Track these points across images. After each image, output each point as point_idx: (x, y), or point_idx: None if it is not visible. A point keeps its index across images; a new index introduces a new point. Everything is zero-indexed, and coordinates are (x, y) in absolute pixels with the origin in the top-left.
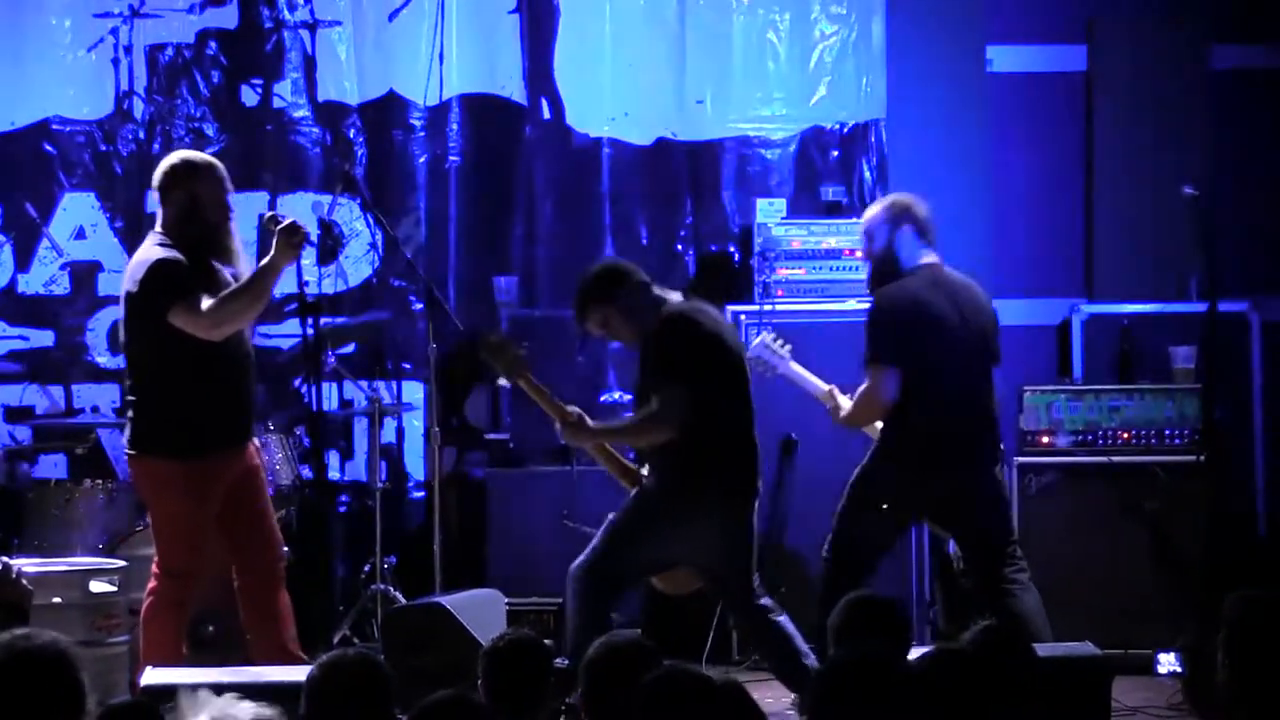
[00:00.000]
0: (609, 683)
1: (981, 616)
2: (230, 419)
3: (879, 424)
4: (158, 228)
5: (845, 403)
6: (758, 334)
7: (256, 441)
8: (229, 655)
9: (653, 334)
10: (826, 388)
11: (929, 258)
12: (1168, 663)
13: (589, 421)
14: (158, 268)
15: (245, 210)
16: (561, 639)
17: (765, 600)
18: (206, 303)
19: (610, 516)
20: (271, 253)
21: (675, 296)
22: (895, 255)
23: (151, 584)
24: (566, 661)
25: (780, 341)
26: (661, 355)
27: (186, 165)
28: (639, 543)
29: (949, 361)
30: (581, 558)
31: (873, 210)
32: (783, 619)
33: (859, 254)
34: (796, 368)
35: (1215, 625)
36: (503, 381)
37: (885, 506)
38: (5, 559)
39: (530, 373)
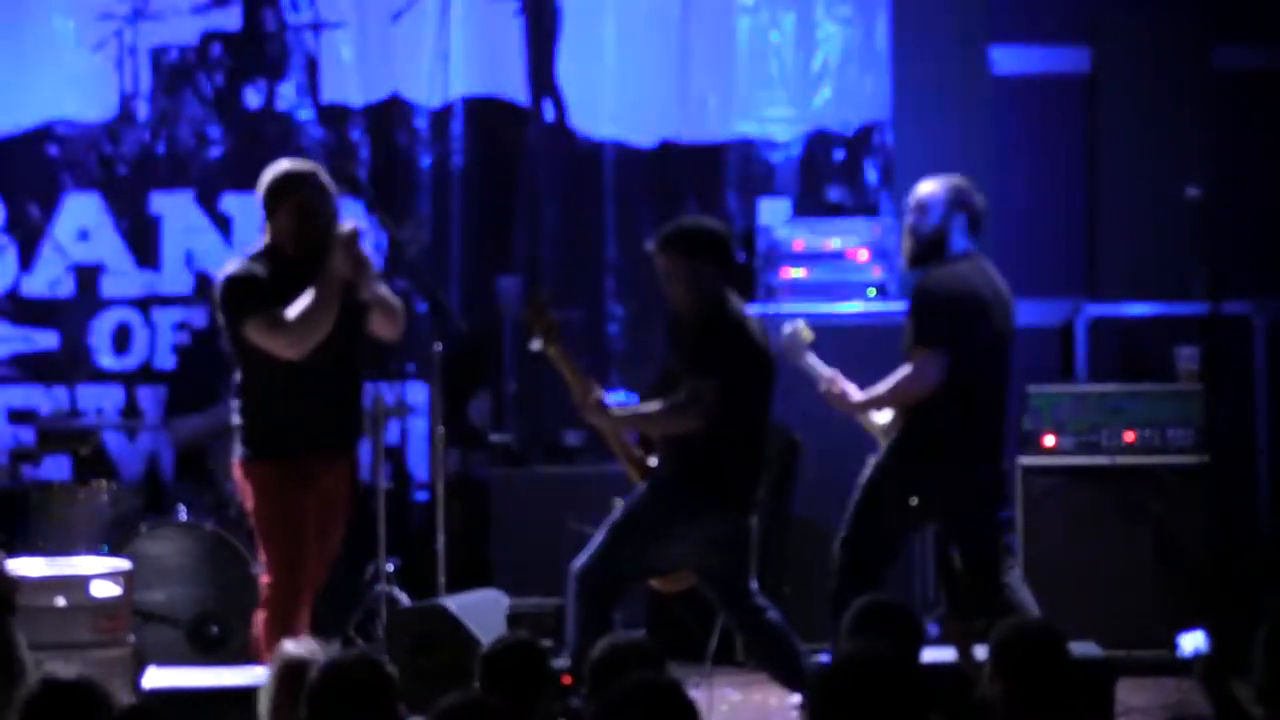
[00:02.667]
0: (611, 685)
1: (985, 617)
2: (298, 425)
3: (879, 419)
4: (264, 239)
5: (852, 388)
6: (788, 321)
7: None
8: (233, 656)
9: (691, 322)
10: (829, 372)
11: (971, 248)
12: (1192, 641)
13: (611, 406)
14: (229, 284)
15: (250, 213)
16: (563, 640)
17: (760, 601)
18: (282, 319)
19: (613, 514)
20: (332, 262)
21: (734, 298)
22: (945, 238)
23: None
24: (566, 663)
25: (807, 332)
26: (697, 345)
27: (293, 176)
28: (644, 542)
29: (991, 354)
30: (583, 557)
31: (931, 186)
32: (777, 619)
33: (863, 255)
34: (812, 360)
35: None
36: (535, 345)
37: (914, 502)
38: None
39: (561, 342)
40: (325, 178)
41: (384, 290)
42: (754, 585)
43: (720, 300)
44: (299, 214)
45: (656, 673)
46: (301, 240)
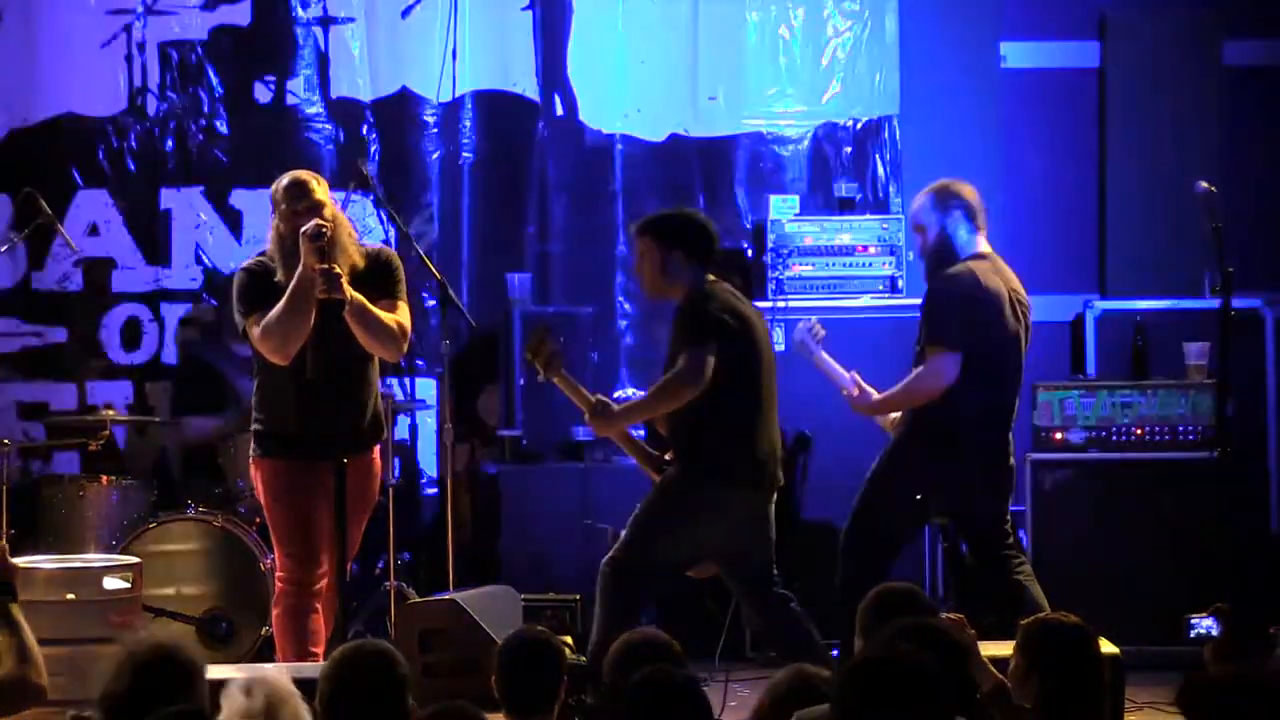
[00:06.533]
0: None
1: (994, 610)
2: (303, 425)
3: (893, 415)
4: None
5: (870, 389)
6: (802, 318)
7: (377, 459)
8: (243, 652)
9: (685, 304)
10: (849, 374)
11: (983, 243)
12: (1204, 625)
13: (613, 406)
14: (236, 281)
15: (260, 208)
16: (576, 635)
17: (783, 590)
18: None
19: (637, 508)
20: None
21: (725, 286)
22: (950, 243)
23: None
24: (583, 659)
25: (819, 328)
26: (691, 321)
27: (278, 189)
28: (671, 533)
29: (1002, 352)
30: (611, 552)
31: (917, 202)
32: (799, 612)
33: (872, 250)
34: (825, 356)
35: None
36: (540, 377)
37: (919, 498)
38: None
39: (564, 369)
40: (316, 187)
41: (363, 306)
42: (776, 574)
43: (703, 283)
44: (277, 228)
45: (669, 665)
46: (283, 251)
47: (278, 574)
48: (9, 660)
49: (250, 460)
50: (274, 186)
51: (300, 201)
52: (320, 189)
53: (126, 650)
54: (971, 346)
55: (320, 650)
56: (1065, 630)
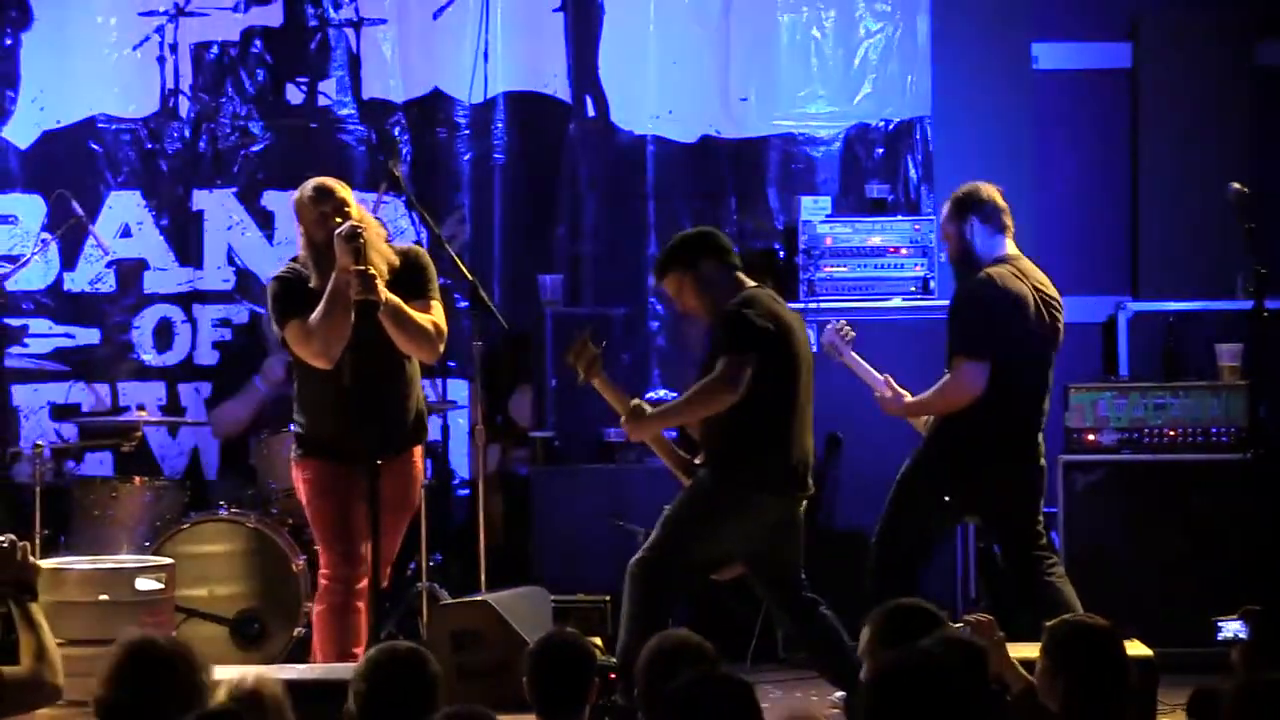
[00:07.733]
0: (662, 681)
1: (1027, 611)
2: (341, 427)
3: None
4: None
5: (903, 391)
6: (831, 320)
7: (419, 462)
8: (275, 653)
9: (726, 312)
10: (881, 376)
11: (1008, 245)
12: (1231, 629)
13: (647, 408)
14: (271, 288)
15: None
16: (606, 636)
17: (812, 594)
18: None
19: (666, 509)
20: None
21: (753, 284)
22: (970, 249)
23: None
24: (613, 660)
25: (848, 329)
26: (731, 328)
27: (302, 198)
28: (700, 533)
29: (1030, 356)
30: (639, 552)
31: (942, 213)
32: (830, 615)
33: (904, 251)
34: (855, 357)
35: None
36: (580, 380)
37: (947, 499)
38: (10, 536)
39: (603, 372)
40: (314, 191)
41: (398, 307)
42: (804, 578)
43: (742, 288)
44: (307, 235)
45: (715, 667)
46: (316, 256)
47: (321, 571)
48: (27, 658)
49: (291, 461)
50: (298, 195)
51: (328, 204)
52: (344, 190)
53: (114, 651)
54: (997, 351)
55: (361, 649)
56: (1089, 632)
